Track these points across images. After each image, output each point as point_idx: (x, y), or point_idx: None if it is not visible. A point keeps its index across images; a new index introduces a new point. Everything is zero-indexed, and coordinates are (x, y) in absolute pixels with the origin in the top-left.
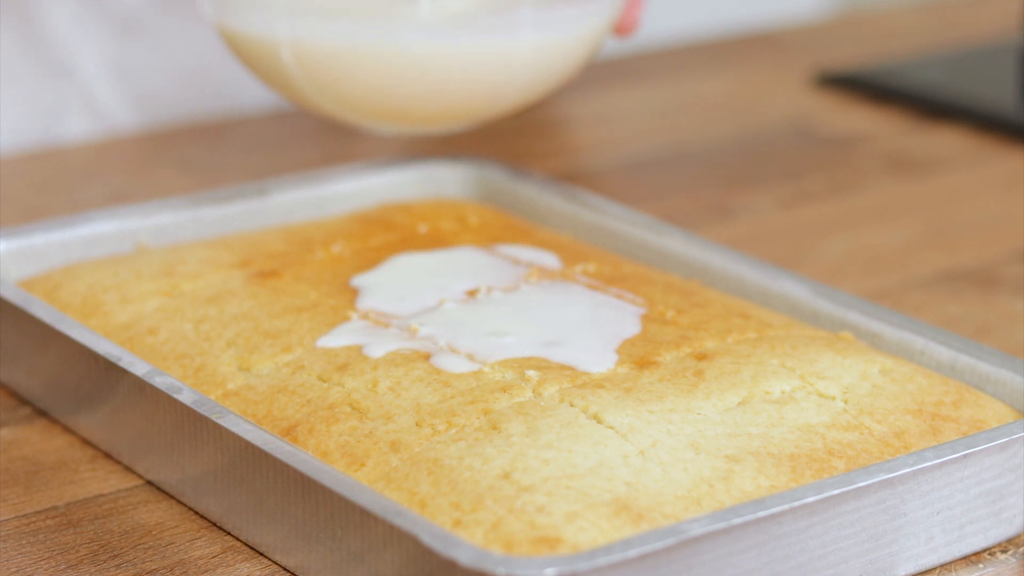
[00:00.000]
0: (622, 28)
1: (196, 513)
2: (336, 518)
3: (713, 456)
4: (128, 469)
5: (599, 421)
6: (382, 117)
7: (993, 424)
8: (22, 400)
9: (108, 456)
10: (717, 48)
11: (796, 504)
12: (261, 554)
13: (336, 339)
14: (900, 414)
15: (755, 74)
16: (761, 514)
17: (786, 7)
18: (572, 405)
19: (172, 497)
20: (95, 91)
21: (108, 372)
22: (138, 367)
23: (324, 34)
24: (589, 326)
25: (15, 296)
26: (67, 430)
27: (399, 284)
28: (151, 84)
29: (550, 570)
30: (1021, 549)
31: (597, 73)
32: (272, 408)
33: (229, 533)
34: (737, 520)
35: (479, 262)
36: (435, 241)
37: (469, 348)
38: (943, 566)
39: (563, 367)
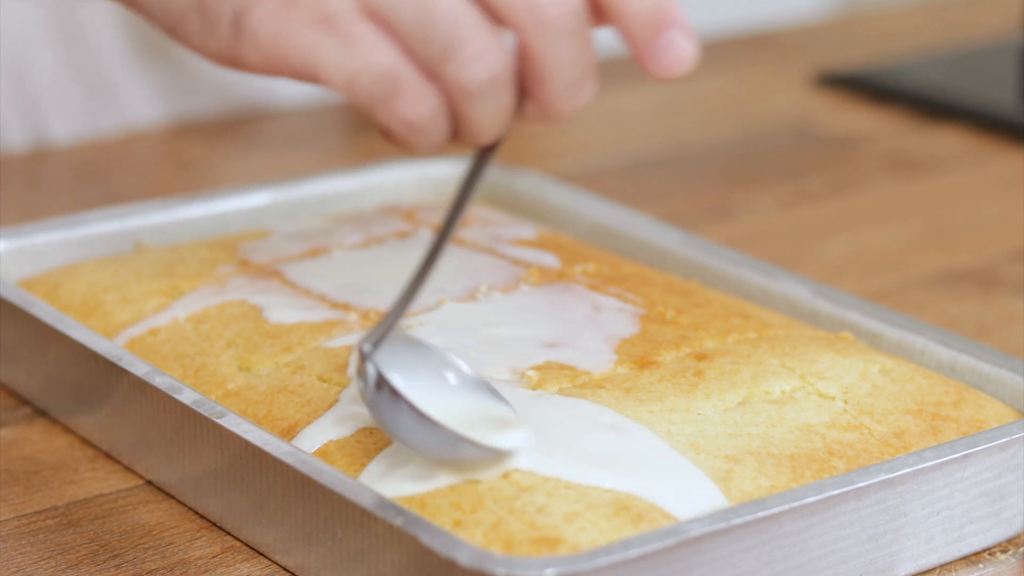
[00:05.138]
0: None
1: (196, 513)
2: (336, 518)
3: (713, 456)
4: (128, 469)
5: None
6: None
7: (993, 424)
8: (22, 400)
9: (108, 456)
10: (717, 48)
11: (796, 504)
12: (261, 554)
13: (336, 339)
14: (900, 414)
15: (755, 74)
16: (761, 514)
17: (786, 7)
18: None
19: (172, 497)
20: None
21: (108, 372)
22: (138, 367)
23: None
24: (589, 326)
25: (15, 296)
26: (67, 430)
27: (399, 283)
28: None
29: (550, 570)
30: (1021, 549)
31: (597, 73)
32: (272, 408)
33: (229, 533)
34: (737, 520)
35: (479, 262)
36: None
37: (469, 348)
38: (943, 566)
39: (563, 367)
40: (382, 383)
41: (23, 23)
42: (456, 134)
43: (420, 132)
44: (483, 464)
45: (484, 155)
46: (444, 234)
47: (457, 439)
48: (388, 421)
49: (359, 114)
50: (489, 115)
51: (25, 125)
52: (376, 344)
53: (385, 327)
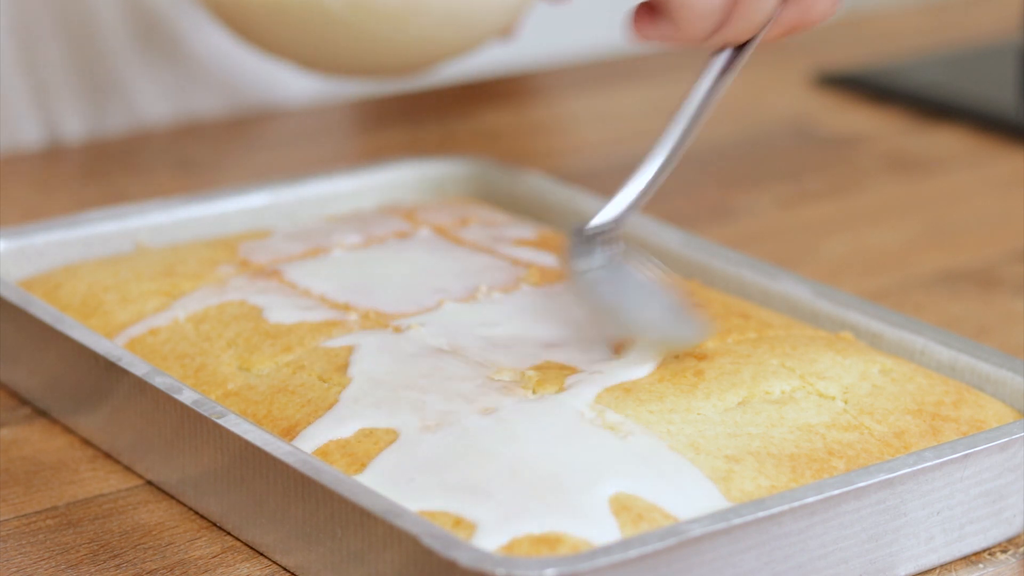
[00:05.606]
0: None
1: (196, 513)
2: (336, 518)
3: (713, 456)
4: (128, 469)
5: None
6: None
7: (993, 424)
8: (22, 400)
9: (108, 456)
10: None
11: (796, 504)
12: (261, 554)
13: (336, 339)
14: (900, 414)
15: (755, 74)
16: (761, 514)
17: None
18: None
19: (172, 497)
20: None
21: (108, 372)
22: (138, 367)
23: None
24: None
25: (15, 296)
26: (67, 430)
27: (399, 283)
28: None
29: (550, 570)
30: (1021, 549)
31: (597, 73)
32: (272, 408)
33: (229, 533)
34: (737, 520)
35: (479, 262)
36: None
37: (469, 348)
38: (943, 566)
39: (563, 367)
40: (615, 262)
41: (31, 20)
42: (720, 28)
43: (705, 19)
44: (690, 343)
45: (738, 52)
46: (689, 125)
47: (683, 317)
48: (616, 294)
49: (361, 113)
50: (765, 11)
51: (39, 122)
52: (608, 229)
53: (617, 219)
